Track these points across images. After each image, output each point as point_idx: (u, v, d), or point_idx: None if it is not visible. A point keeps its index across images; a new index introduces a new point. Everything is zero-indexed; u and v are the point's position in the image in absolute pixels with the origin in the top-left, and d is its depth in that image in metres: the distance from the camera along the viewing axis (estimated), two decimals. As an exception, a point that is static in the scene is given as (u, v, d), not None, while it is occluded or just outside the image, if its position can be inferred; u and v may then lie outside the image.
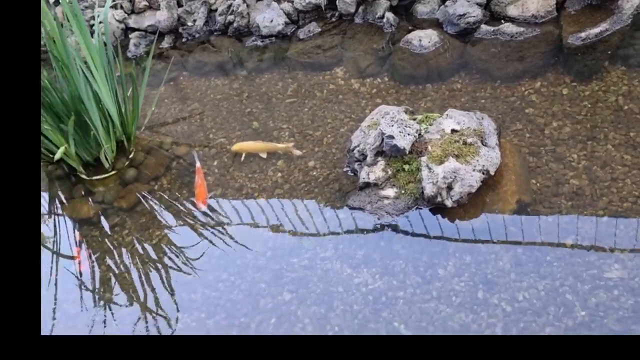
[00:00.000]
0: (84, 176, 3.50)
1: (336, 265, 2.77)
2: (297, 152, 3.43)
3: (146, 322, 2.71)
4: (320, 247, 2.88)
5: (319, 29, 4.37)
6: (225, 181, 3.40)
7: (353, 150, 2.90)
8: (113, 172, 3.49)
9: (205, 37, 4.81)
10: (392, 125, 2.62)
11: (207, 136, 3.78)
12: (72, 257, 3.14)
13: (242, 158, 3.50)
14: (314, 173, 3.29)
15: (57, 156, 3.07)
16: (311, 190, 3.19)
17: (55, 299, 2.94)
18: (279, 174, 3.34)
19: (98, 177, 3.47)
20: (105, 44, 3.29)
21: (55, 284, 3.02)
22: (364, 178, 2.74)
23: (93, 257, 3.08)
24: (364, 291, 2.62)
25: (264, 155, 3.48)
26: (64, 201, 3.55)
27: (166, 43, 4.85)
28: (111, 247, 3.15)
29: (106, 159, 3.41)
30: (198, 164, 3.46)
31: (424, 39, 3.82)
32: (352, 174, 3.10)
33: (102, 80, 3.20)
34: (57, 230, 3.41)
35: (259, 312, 2.64)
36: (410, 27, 4.17)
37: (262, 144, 3.51)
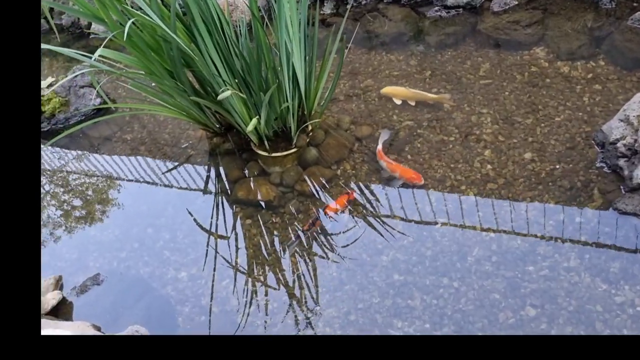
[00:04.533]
0: (261, 152, 3.35)
1: (585, 278, 2.51)
2: (451, 103, 3.49)
3: (362, 329, 2.53)
4: (559, 255, 2.62)
5: (515, 2, 4.08)
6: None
7: (615, 143, 2.61)
8: (294, 150, 3.32)
9: (374, 4, 4.60)
10: (684, 117, 2.32)
11: (390, 117, 3.58)
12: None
13: (399, 102, 3.64)
14: (533, 167, 3.03)
15: (250, 128, 2.94)
16: (533, 187, 2.93)
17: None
18: (489, 166, 3.10)
19: (279, 154, 3.31)
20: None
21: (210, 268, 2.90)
22: None
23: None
24: (631, 313, 2.35)
25: (413, 103, 3.58)
26: (231, 180, 3.42)
27: (328, 9, 4.68)
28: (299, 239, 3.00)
29: (292, 135, 3.26)
30: (379, 147, 3.26)
31: (662, 16, 3.47)
32: (610, 171, 2.81)
33: (297, 46, 3.04)
34: (224, 210, 3.28)
35: (499, 328, 2.41)
36: (634, 4, 3.82)
37: (413, 92, 3.60)
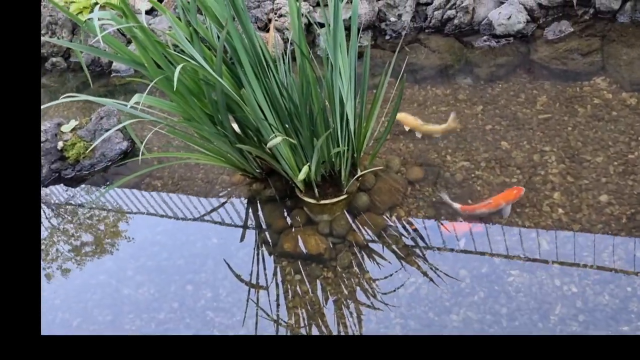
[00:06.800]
0: (308, 199, 3.14)
1: (690, 341, 2.24)
2: (457, 124, 3.45)
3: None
4: (656, 313, 2.37)
5: (571, 29, 3.89)
6: (486, 216, 2.96)
7: None
8: (344, 196, 3.11)
9: (414, 34, 4.43)
10: None
11: (443, 157, 3.36)
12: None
13: (408, 129, 3.61)
14: (611, 211, 2.80)
15: (302, 176, 2.73)
16: (615, 234, 2.70)
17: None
18: (560, 210, 2.87)
19: (328, 201, 3.10)
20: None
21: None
22: None
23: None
24: None
25: (419, 135, 3.54)
26: (275, 230, 3.21)
27: (364, 40, 4.51)
28: (355, 295, 2.77)
29: (342, 181, 3.06)
30: (457, 205, 3.03)
31: None
32: None
33: (347, 84, 2.85)
34: (269, 264, 3.07)
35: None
36: (701, 28, 3.62)
37: (420, 125, 3.52)
